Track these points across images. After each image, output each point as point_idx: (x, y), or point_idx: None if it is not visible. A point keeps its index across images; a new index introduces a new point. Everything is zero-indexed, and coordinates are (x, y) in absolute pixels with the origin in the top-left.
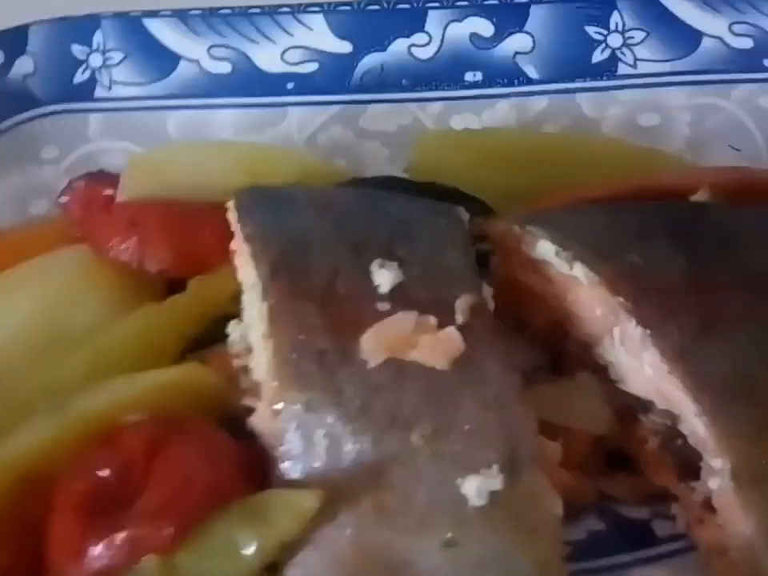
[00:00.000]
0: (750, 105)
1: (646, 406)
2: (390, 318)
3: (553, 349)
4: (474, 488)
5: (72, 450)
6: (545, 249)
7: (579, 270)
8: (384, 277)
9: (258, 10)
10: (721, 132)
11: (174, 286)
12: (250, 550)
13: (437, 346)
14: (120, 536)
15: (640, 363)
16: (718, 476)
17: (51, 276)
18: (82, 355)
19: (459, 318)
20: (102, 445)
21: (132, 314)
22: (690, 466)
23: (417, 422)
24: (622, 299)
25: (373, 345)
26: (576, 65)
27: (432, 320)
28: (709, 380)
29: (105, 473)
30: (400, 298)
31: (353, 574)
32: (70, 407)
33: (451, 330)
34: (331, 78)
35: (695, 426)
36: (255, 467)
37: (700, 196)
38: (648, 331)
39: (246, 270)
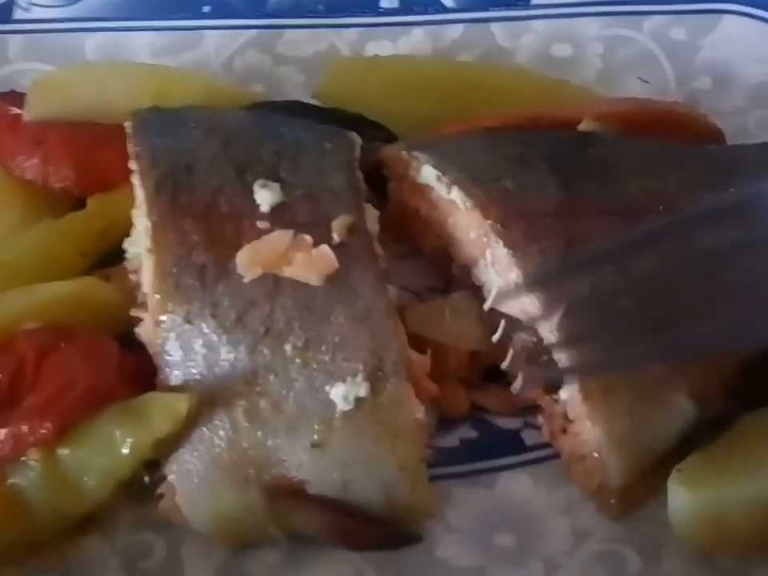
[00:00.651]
0: (661, 37)
1: (515, 323)
2: (267, 236)
3: (443, 270)
4: (341, 395)
5: None
6: (427, 173)
7: (456, 194)
8: (265, 196)
9: None
10: (632, 63)
11: (78, 204)
12: (126, 446)
13: (310, 263)
14: (3, 431)
15: (508, 283)
16: (571, 389)
17: None
18: None
19: (335, 238)
20: None
21: (31, 229)
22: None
23: (290, 334)
24: (491, 222)
25: (249, 260)
26: None
27: (308, 238)
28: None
29: None
30: (279, 217)
31: (227, 470)
32: None
33: (325, 249)
34: (247, 2)
35: (551, 341)
36: (141, 373)
37: (585, 126)
38: (512, 252)
39: (136, 187)
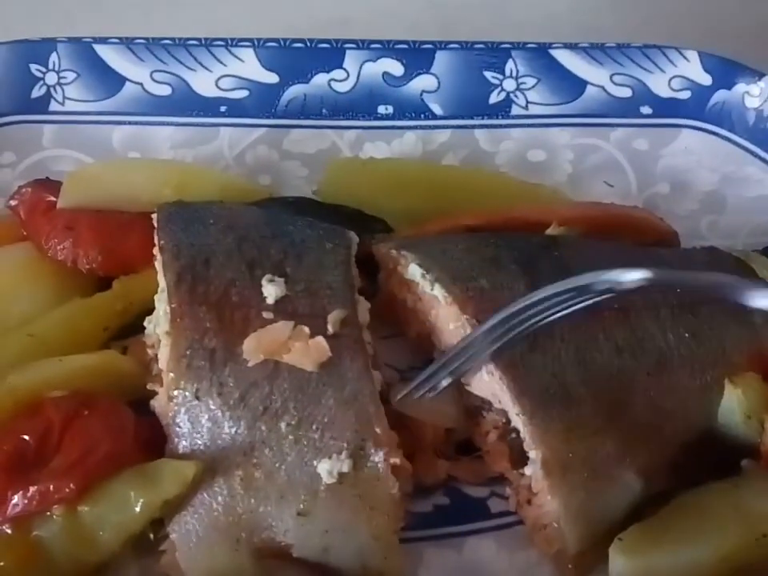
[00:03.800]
0: (625, 146)
1: (487, 405)
2: (271, 326)
3: (425, 353)
4: (326, 469)
5: (3, 417)
6: (414, 271)
7: (438, 291)
8: (271, 290)
9: (195, 42)
10: (598, 169)
11: (103, 283)
12: (138, 506)
13: (307, 351)
14: (32, 489)
15: (481, 370)
16: (535, 466)
17: None
18: (17, 339)
19: (329, 329)
20: (27, 414)
21: (62, 306)
22: (521, 456)
23: (285, 413)
24: (468, 317)
25: (254, 347)
26: (475, 104)
27: (306, 329)
28: (530, 386)
29: (27, 437)
30: (283, 308)
31: (222, 532)
32: (3, 382)
33: (320, 339)
34: (259, 104)
35: (517, 422)
36: (153, 440)
37: (552, 230)
38: None
39: (159, 275)
